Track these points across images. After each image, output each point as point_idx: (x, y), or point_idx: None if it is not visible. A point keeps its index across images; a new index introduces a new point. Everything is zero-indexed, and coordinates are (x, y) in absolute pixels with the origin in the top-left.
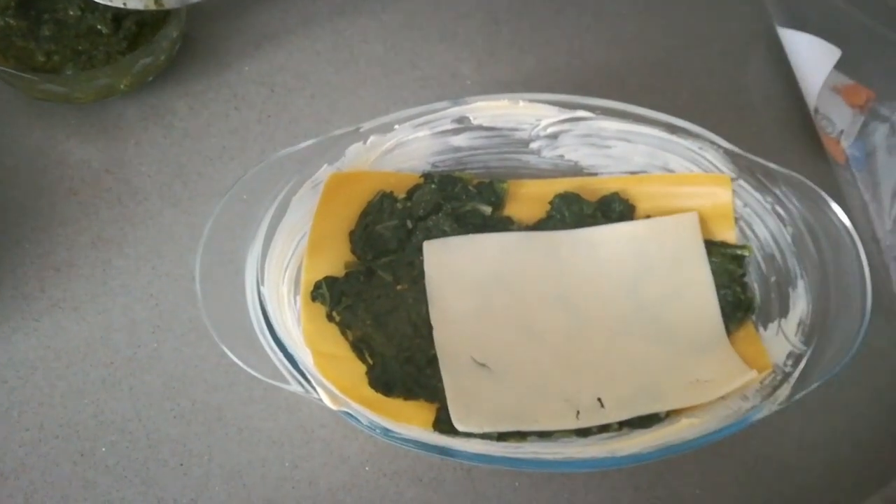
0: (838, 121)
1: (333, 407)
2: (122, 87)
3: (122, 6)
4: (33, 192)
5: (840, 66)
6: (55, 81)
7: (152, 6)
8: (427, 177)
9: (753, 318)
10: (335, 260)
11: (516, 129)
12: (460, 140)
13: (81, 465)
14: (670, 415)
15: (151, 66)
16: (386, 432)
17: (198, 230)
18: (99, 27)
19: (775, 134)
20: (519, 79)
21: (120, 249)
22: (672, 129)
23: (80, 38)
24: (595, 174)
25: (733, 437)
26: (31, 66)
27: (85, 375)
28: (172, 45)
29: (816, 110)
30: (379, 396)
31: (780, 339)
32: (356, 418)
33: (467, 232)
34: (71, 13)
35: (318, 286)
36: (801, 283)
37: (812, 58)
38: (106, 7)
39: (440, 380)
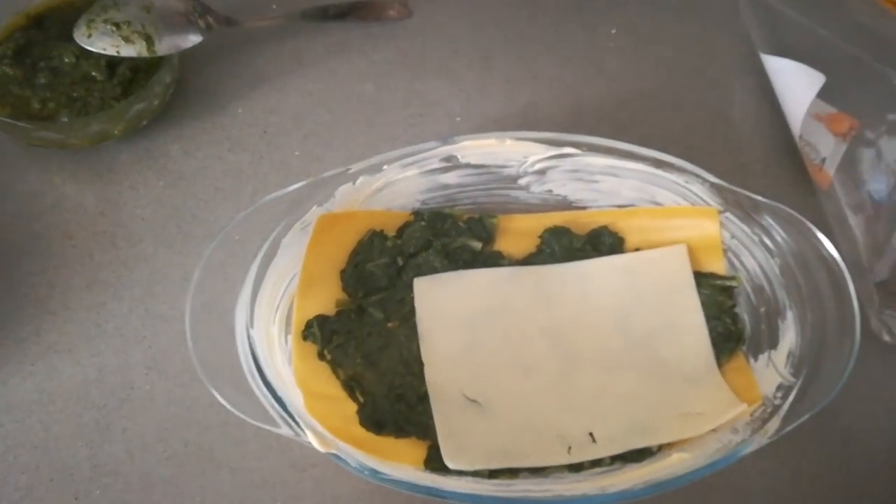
0: (821, 148)
1: (322, 450)
2: (116, 132)
3: (115, 53)
4: (29, 236)
5: (823, 94)
6: (50, 129)
7: (145, 53)
8: (417, 214)
9: (744, 349)
10: (326, 299)
11: (504, 166)
12: (449, 178)
13: None
14: (662, 448)
15: (145, 111)
16: (374, 474)
17: (192, 272)
18: (93, 74)
19: (762, 161)
20: (509, 115)
21: (115, 292)
22: (658, 163)
23: (74, 84)
24: (584, 208)
25: (727, 468)
26: (27, 114)
27: (79, 418)
28: (166, 90)
29: (801, 137)
30: (370, 435)
31: (770, 371)
32: (345, 461)
33: (458, 268)
34: (66, 60)
35: (309, 325)
36: (789, 314)
37: (796, 84)
38: (100, 54)
39: (431, 417)
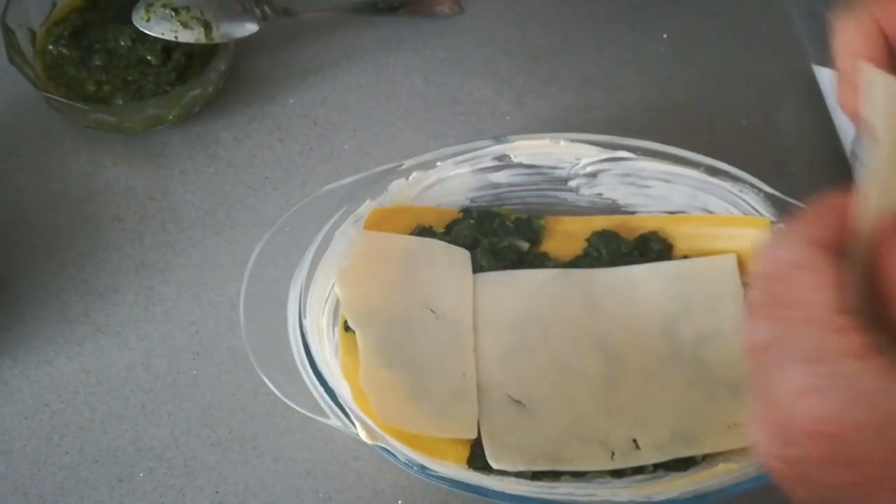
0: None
1: (370, 442)
2: (170, 117)
3: (173, 39)
4: (79, 217)
5: None
6: (105, 111)
7: (203, 39)
8: (466, 212)
9: None
10: None
11: (555, 168)
12: (500, 177)
13: (119, 490)
14: (707, 458)
15: (199, 98)
16: (422, 469)
17: (240, 258)
18: (149, 58)
19: (810, 174)
20: (557, 115)
21: (163, 276)
22: (713, 171)
23: (130, 68)
24: (633, 213)
25: (770, 482)
26: (82, 95)
27: (125, 401)
28: (220, 78)
29: (852, 152)
30: (413, 433)
31: None
32: (393, 454)
33: (504, 267)
34: (122, 44)
35: None
36: None
37: None
38: (156, 38)
39: None
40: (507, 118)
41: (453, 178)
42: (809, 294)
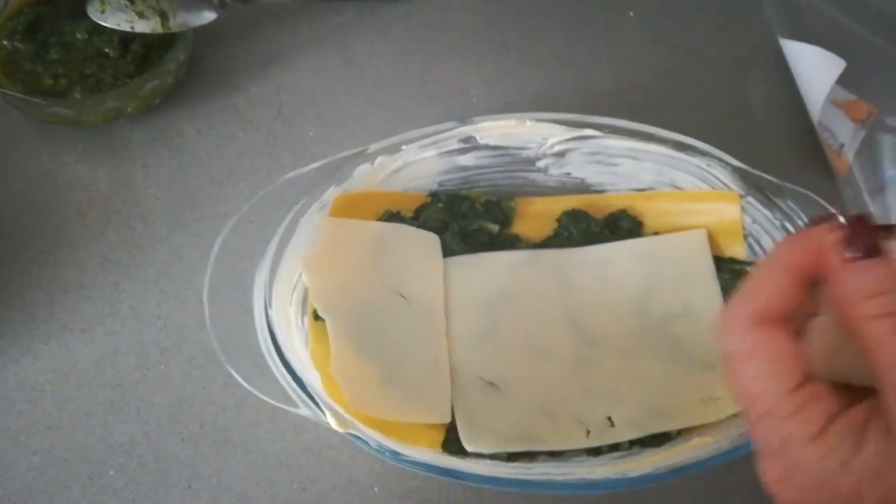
0: (840, 133)
1: (341, 430)
2: (129, 109)
3: (129, 30)
4: (42, 214)
5: (841, 80)
6: (63, 105)
7: (160, 29)
8: (434, 196)
9: None
10: None
11: (523, 148)
12: (467, 159)
13: (90, 488)
14: (682, 433)
15: (159, 89)
16: (395, 455)
17: (206, 252)
18: (106, 50)
19: (780, 147)
20: (526, 97)
21: (128, 272)
22: (680, 146)
23: (87, 61)
24: (602, 191)
25: (746, 455)
26: (39, 90)
27: (93, 398)
28: (179, 68)
29: (820, 122)
30: (387, 419)
31: None
32: (365, 441)
33: (475, 250)
34: (78, 36)
35: None
36: None
37: (816, 69)
38: (113, 31)
39: None
40: (475, 100)
41: (420, 162)
42: (759, 386)
